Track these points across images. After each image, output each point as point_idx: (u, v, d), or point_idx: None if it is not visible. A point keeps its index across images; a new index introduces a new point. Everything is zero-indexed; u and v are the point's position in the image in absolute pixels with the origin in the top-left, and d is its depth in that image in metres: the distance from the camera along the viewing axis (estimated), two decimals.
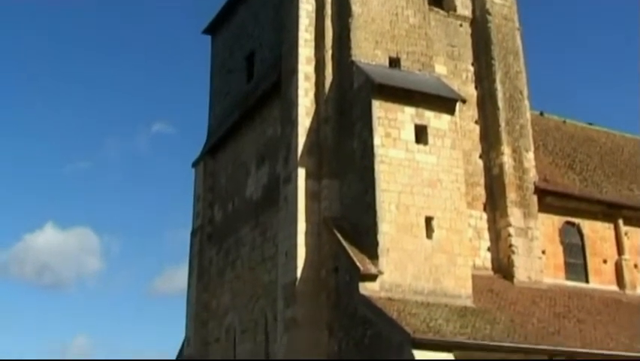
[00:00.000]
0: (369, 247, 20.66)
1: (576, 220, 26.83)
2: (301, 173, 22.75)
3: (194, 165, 31.79)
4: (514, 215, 24.73)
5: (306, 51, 23.95)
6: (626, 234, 27.53)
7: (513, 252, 24.27)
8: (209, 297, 29.00)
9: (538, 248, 24.85)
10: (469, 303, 21.00)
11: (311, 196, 22.55)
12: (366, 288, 20.07)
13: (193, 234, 30.75)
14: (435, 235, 21.24)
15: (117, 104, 75.91)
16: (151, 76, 75.33)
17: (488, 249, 24.61)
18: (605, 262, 26.98)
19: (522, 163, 25.57)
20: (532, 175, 25.69)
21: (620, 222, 27.50)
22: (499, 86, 26.10)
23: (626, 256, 27.18)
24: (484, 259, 24.42)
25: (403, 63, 23.71)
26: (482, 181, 25.35)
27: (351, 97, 22.94)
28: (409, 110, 22.12)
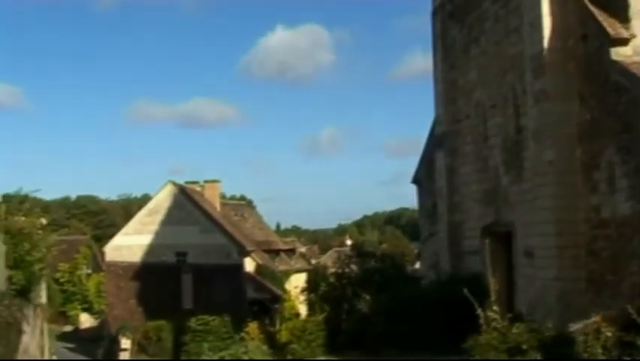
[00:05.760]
0: (620, 10, 19.68)
1: None
2: None
3: None
4: None
5: None
6: None
7: None
8: (456, 75, 29.07)
9: None
10: None
11: None
12: (618, 53, 19.35)
13: (434, 13, 30.48)
14: None
15: None
16: None
17: None
18: None
19: None
20: None
21: None
22: None
23: None
24: None
25: None
26: None
27: None
28: None
